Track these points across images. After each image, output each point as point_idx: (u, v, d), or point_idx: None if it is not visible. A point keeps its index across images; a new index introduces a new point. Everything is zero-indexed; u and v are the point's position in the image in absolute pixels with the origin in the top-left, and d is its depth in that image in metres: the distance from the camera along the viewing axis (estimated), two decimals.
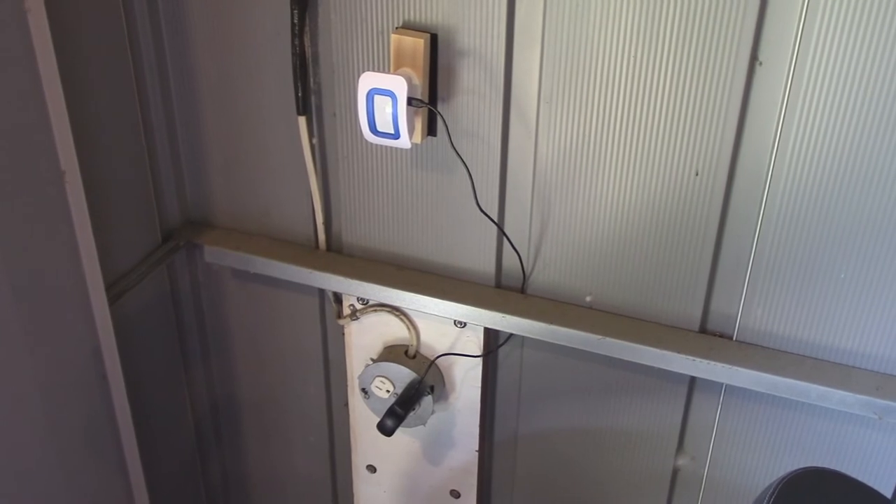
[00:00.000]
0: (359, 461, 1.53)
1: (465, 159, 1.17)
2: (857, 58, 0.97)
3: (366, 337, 1.38)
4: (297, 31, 1.18)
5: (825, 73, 0.99)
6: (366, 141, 1.18)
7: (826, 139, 1.02)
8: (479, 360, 1.32)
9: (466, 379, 1.35)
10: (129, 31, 1.24)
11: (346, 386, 1.46)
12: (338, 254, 1.35)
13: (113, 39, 1.21)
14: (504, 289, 1.28)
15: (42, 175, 1.08)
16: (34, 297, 1.09)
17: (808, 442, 1.21)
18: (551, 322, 1.21)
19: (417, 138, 1.15)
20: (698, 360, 1.15)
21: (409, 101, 1.08)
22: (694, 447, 1.30)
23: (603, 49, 1.06)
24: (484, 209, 1.20)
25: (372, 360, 1.37)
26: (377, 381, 1.35)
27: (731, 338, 1.19)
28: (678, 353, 1.16)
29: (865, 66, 0.97)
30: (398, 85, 1.06)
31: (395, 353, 1.36)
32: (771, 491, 0.77)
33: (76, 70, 1.15)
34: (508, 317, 1.22)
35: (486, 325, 1.26)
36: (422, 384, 1.33)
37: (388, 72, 1.13)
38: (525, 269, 1.25)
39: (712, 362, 1.15)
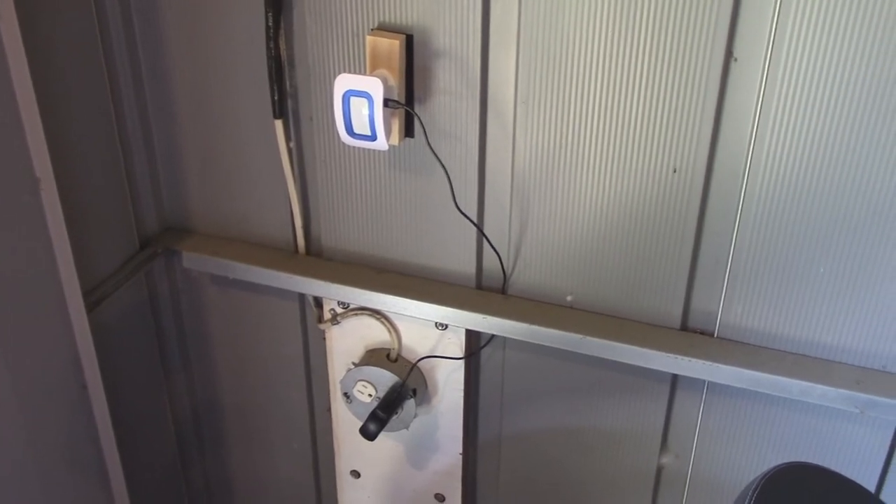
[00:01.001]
0: (342, 466, 1.52)
1: (442, 160, 1.17)
2: (831, 53, 0.97)
3: (347, 341, 1.37)
4: (272, 35, 1.18)
5: (800, 68, 0.99)
6: (343, 143, 1.17)
7: (802, 134, 1.02)
8: (462, 362, 1.31)
9: (449, 381, 1.34)
10: (102, 37, 1.23)
11: (328, 391, 1.45)
12: (317, 258, 1.35)
13: (86, 45, 1.20)
14: (485, 290, 1.28)
15: (17, 183, 1.06)
16: (11, 306, 1.08)
17: (790, 437, 1.22)
18: (533, 322, 1.21)
19: (395, 140, 1.14)
20: (680, 357, 1.15)
21: (386, 102, 1.07)
22: (678, 445, 1.30)
23: (578, 48, 1.06)
24: (463, 210, 1.19)
25: (353, 364, 1.37)
26: (359, 386, 1.34)
27: (712, 335, 1.19)
28: (660, 351, 1.16)
29: (840, 60, 0.97)
30: (374, 86, 1.06)
31: (376, 356, 1.35)
32: (754, 486, 0.77)
33: (49, 77, 1.14)
34: (490, 318, 1.22)
35: (468, 327, 1.25)
36: (404, 388, 1.32)
37: (364, 73, 1.12)
38: (505, 269, 1.25)
39: (694, 360, 1.15)
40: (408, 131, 1.17)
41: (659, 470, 1.33)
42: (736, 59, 1.01)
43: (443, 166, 1.17)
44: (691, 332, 1.20)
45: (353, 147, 1.22)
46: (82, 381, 1.23)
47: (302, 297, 1.39)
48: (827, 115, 1.01)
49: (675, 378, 1.24)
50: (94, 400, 1.25)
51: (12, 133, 1.04)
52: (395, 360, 1.34)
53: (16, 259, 1.08)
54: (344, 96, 1.07)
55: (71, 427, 1.23)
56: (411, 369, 1.32)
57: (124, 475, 1.34)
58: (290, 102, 1.24)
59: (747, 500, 0.76)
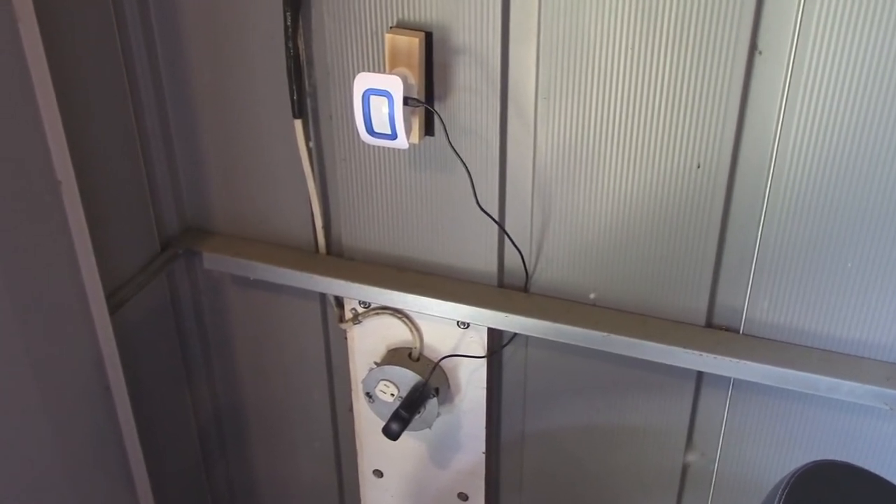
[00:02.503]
0: (365, 466, 1.52)
1: (463, 158, 1.16)
2: (857, 45, 0.96)
3: (368, 340, 1.37)
4: (291, 34, 1.17)
5: (826, 61, 0.98)
6: (363, 143, 1.17)
7: (828, 127, 1.01)
8: (484, 360, 1.31)
9: (471, 380, 1.34)
10: (121, 39, 1.23)
11: (350, 390, 1.45)
12: (338, 257, 1.35)
13: (105, 47, 1.21)
14: (507, 288, 1.27)
15: (38, 186, 1.07)
16: (34, 309, 1.08)
17: (818, 435, 1.20)
18: (555, 320, 1.20)
19: (415, 138, 1.14)
20: (705, 354, 1.14)
21: (406, 100, 1.07)
22: (703, 443, 1.29)
23: (600, 42, 1.05)
24: (484, 208, 1.19)
25: (375, 363, 1.36)
26: (381, 385, 1.34)
27: (737, 331, 1.18)
28: (685, 348, 1.15)
29: (866, 52, 0.96)
30: (394, 85, 1.05)
31: (398, 356, 1.35)
32: (783, 485, 0.76)
33: (69, 79, 1.14)
34: (512, 316, 1.21)
35: (490, 326, 1.25)
36: (426, 387, 1.31)
37: (384, 72, 1.12)
38: (527, 267, 1.24)
39: (719, 357, 1.14)
40: (428, 129, 1.16)
41: (684, 468, 1.32)
42: (760, 53, 1.00)
43: (464, 164, 1.17)
44: (716, 329, 1.18)
45: (373, 146, 1.21)
46: (106, 382, 1.23)
47: (323, 296, 1.39)
48: (853, 109, 0.99)
49: (700, 375, 1.23)
50: (118, 401, 1.26)
51: (34, 136, 1.05)
52: (418, 360, 1.34)
53: (38, 262, 1.08)
54: (364, 95, 1.07)
55: (95, 428, 1.23)
56: (434, 368, 1.32)
57: (148, 475, 1.35)
58: (309, 102, 1.23)
59: (777, 499, 0.75)
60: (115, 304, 1.27)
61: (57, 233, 1.11)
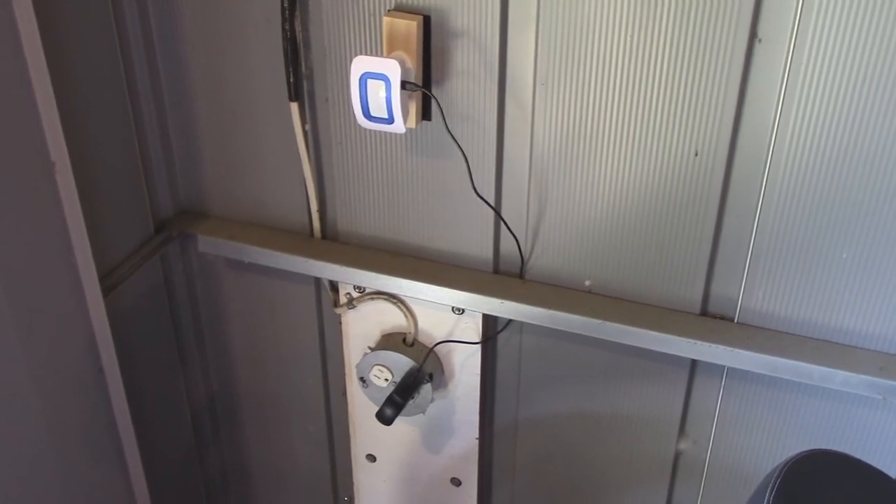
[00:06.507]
0: (358, 451, 1.52)
1: (460, 143, 1.16)
2: (857, 34, 0.95)
3: (363, 325, 1.36)
4: (288, 16, 1.16)
5: (825, 50, 0.97)
6: (360, 126, 1.16)
7: (827, 117, 1.01)
8: (478, 346, 1.31)
9: (465, 366, 1.34)
10: (116, 19, 1.22)
11: (344, 375, 1.45)
12: (333, 241, 1.34)
13: (101, 27, 1.20)
14: (502, 274, 1.27)
15: (32, 166, 1.06)
16: (27, 291, 1.08)
17: (811, 424, 1.21)
18: (550, 307, 1.20)
19: (412, 123, 1.13)
20: (699, 342, 1.14)
21: (403, 84, 1.06)
22: (696, 431, 1.29)
23: (599, 28, 1.04)
24: (481, 194, 1.18)
25: (370, 348, 1.36)
26: (375, 370, 1.34)
27: (732, 320, 1.18)
28: (679, 336, 1.15)
29: (866, 42, 0.96)
30: (392, 68, 1.05)
31: (392, 341, 1.34)
32: (777, 474, 0.76)
33: (64, 60, 1.13)
34: (507, 302, 1.21)
35: (485, 312, 1.25)
36: (420, 372, 1.31)
37: (381, 55, 1.11)
38: (523, 253, 1.24)
39: (713, 345, 1.14)
40: (425, 114, 1.16)
41: (676, 456, 1.32)
42: (760, 40, 1.00)
43: (460, 149, 1.16)
44: (711, 318, 1.18)
45: (370, 130, 1.21)
46: (99, 365, 1.23)
47: (317, 281, 1.39)
48: (853, 98, 0.99)
49: (694, 363, 1.23)
50: (111, 384, 1.25)
51: (28, 116, 1.04)
52: (412, 345, 1.34)
53: (32, 243, 1.08)
54: (361, 79, 1.06)
55: (88, 411, 1.23)
56: (428, 354, 1.31)
57: (141, 458, 1.34)
58: (305, 84, 1.23)
59: (770, 487, 0.75)
60: (108, 286, 1.26)
61: (50, 214, 1.10)
